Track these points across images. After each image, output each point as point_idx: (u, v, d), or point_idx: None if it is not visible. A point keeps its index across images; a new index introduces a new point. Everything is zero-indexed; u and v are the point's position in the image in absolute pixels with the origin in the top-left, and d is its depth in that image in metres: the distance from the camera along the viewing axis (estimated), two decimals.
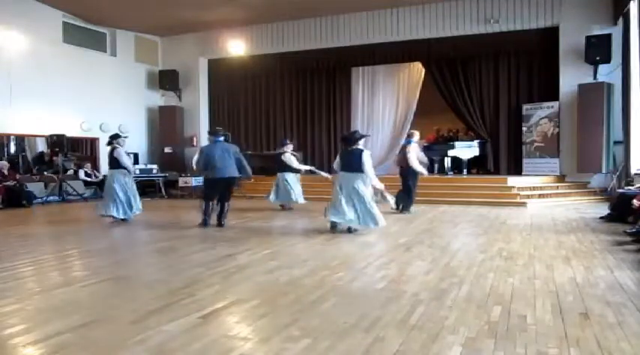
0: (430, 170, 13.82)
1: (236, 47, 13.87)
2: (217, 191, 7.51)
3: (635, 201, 6.44)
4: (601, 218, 7.79)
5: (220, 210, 7.50)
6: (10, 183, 10.88)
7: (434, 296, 3.67)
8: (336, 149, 14.27)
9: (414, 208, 8.99)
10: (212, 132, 7.99)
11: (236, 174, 7.56)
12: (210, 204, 7.49)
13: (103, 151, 13.70)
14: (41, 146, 13.16)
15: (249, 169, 7.79)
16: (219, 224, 7.40)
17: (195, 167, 7.97)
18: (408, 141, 9.15)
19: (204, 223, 7.41)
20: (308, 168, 10.15)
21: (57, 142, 11.78)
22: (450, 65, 12.97)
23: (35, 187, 11.72)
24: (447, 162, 13.07)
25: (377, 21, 12.93)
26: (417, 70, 13.82)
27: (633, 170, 10.12)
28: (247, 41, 14.01)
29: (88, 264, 5.07)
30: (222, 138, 7.67)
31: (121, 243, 6.56)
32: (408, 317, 3.20)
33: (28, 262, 5.10)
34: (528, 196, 10.52)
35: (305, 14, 13.27)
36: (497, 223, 7.65)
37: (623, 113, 10.74)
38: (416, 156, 8.84)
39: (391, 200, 7.82)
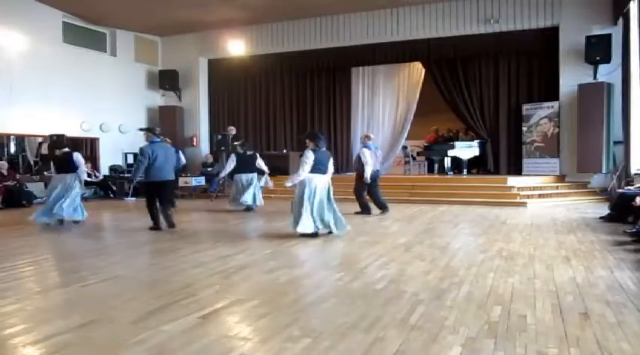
0: (430, 170, 13.91)
1: (236, 47, 13.87)
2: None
3: (638, 199, 6.43)
4: (601, 218, 7.79)
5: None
6: (10, 183, 10.88)
7: (434, 296, 3.67)
8: (336, 149, 14.29)
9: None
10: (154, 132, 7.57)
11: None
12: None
13: (104, 151, 13.74)
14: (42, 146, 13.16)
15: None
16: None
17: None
18: (363, 147, 8.85)
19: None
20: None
21: (57, 142, 11.75)
22: (450, 65, 12.98)
23: (35, 187, 11.73)
24: (447, 162, 13.07)
25: (377, 21, 12.93)
26: (417, 70, 13.83)
27: (633, 170, 10.12)
28: (247, 41, 14.01)
29: (88, 264, 5.06)
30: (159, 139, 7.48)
31: (121, 243, 6.55)
32: (408, 317, 3.20)
33: (28, 262, 5.10)
34: (528, 196, 10.51)
35: (305, 14, 13.27)
36: (497, 223, 7.65)
37: (623, 113, 10.74)
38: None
39: None
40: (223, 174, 9.91)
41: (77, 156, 7.94)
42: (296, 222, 6.28)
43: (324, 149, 6.69)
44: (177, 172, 9.17)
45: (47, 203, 7.80)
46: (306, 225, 6.25)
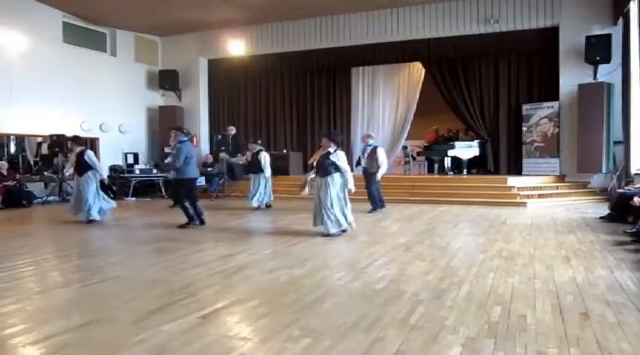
0: (430, 170, 13.91)
1: (236, 47, 13.86)
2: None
3: (635, 199, 6.43)
4: (601, 218, 7.79)
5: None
6: (10, 183, 10.88)
7: (434, 296, 3.67)
8: None
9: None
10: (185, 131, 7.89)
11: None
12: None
13: (104, 151, 13.73)
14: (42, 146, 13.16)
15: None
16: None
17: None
18: (374, 145, 9.08)
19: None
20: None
21: (57, 142, 11.77)
22: (450, 65, 12.98)
23: (35, 187, 11.72)
24: (447, 162, 13.07)
25: (377, 21, 12.93)
26: (417, 70, 13.82)
27: (633, 170, 10.12)
28: (247, 41, 14.01)
29: (88, 264, 5.07)
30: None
31: (121, 243, 6.55)
32: (408, 317, 3.20)
33: (28, 262, 5.10)
34: (528, 196, 10.51)
35: (305, 14, 13.26)
36: (497, 223, 7.65)
37: (623, 113, 10.74)
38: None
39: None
40: (268, 173, 9.83)
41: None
42: (339, 222, 6.36)
43: None
44: None
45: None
46: (343, 222, 6.44)
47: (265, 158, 9.73)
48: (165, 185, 12.49)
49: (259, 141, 10.44)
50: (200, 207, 7.62)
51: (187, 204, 7.45)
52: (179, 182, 7.55)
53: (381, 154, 8.87)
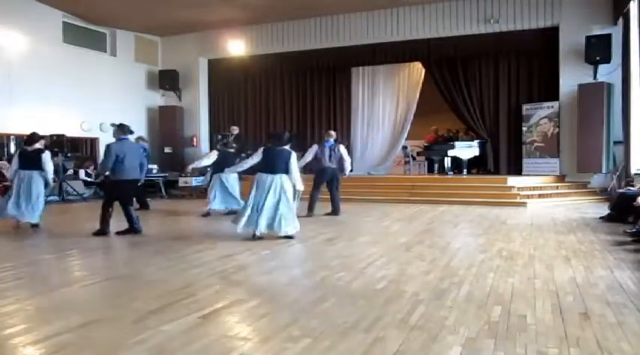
0: (430, 170, 13.92)
1: (236, 47, 13.87)
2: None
3: (639, 200, 6.43)
4: (601, 218, 7.78)
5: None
6: (10, 183, 10.86)
7: (434, 296, 3.67)
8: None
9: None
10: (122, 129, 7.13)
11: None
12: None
13: (104, 151, 13.71)
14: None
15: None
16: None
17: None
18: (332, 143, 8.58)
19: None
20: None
21: (57, 142, 11.77)
22: (450, 65, 12.97)
23: None
24: (447, 162, 13.06)
25: (377, 21, 12.94)
26: (417, 70, 13.82)
27: (633, 170, 10.12)
28: (247, 41, 14.01)
29: (88, 264, 5.07)
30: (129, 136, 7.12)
31: (121, 243, 6.55)
32: (408, 317, 3.20)
33: (28, 262, 5.10)
34: (528, 196, 10.51)
35: (305, 14, 13.27)
36: (497, 223, 7.65)
37: (623, 113, 10.74)
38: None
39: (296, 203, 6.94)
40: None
41: (47, 156, 7.76)
42: (237, 221, 6.26)
43: (284, 148, 6.45)
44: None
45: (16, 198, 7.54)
46: (244, 224, 6.21)
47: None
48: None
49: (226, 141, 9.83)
50: (131, 211, 6.98)
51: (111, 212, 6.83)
52: (115, 184, 6.90)
53: (309, 151, 8.57)
